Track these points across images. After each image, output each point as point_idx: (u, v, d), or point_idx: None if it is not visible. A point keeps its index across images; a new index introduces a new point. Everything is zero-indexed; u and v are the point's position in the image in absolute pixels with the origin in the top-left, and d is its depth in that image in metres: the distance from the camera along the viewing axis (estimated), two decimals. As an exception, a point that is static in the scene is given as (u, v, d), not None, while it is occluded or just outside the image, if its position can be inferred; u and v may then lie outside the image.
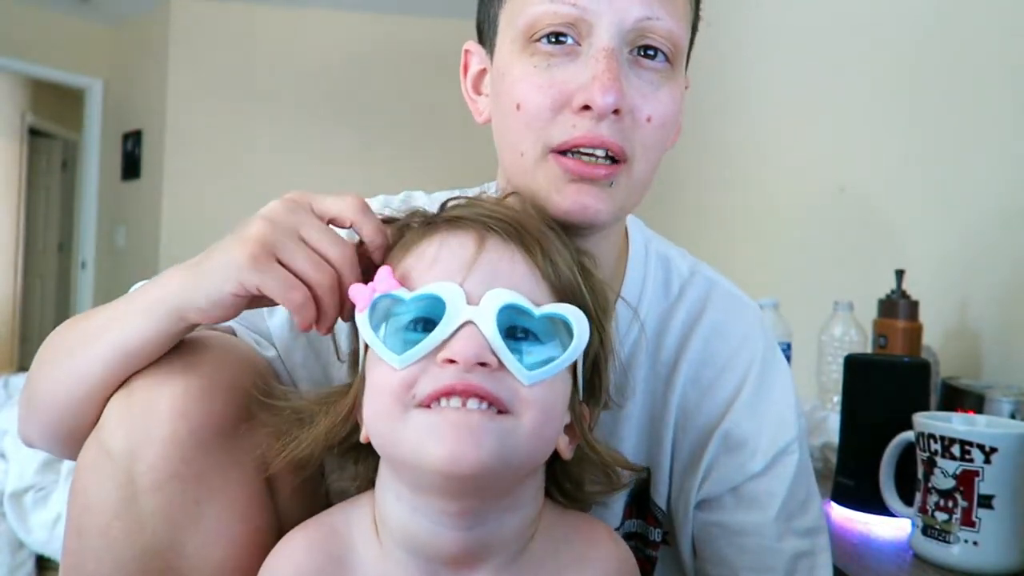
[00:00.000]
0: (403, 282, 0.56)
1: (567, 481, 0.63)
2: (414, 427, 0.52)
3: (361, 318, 0.55)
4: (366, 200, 0.70)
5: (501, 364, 0.52)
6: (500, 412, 0.52)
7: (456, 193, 0.70)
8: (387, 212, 0.65)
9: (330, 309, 0.59)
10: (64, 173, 6.71)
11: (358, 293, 0.56)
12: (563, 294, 0.57)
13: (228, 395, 0.63)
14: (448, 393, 0.51)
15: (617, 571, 0.62)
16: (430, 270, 0.55)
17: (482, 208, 0.59)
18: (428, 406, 0.51)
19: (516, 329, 0.53)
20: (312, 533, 0.60)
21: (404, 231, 0.62)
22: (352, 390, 0.59)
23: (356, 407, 0.59)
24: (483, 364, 0.51)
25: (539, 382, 0.53)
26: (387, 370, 0.53)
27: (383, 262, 0.60)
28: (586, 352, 0.58)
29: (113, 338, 0.61)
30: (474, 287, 0.53)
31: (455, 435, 0.50)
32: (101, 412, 0.62)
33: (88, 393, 0.62)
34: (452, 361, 0.51)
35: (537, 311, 0.54)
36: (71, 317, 0.70)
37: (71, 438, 0.64)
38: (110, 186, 5.04)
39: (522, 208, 0.63)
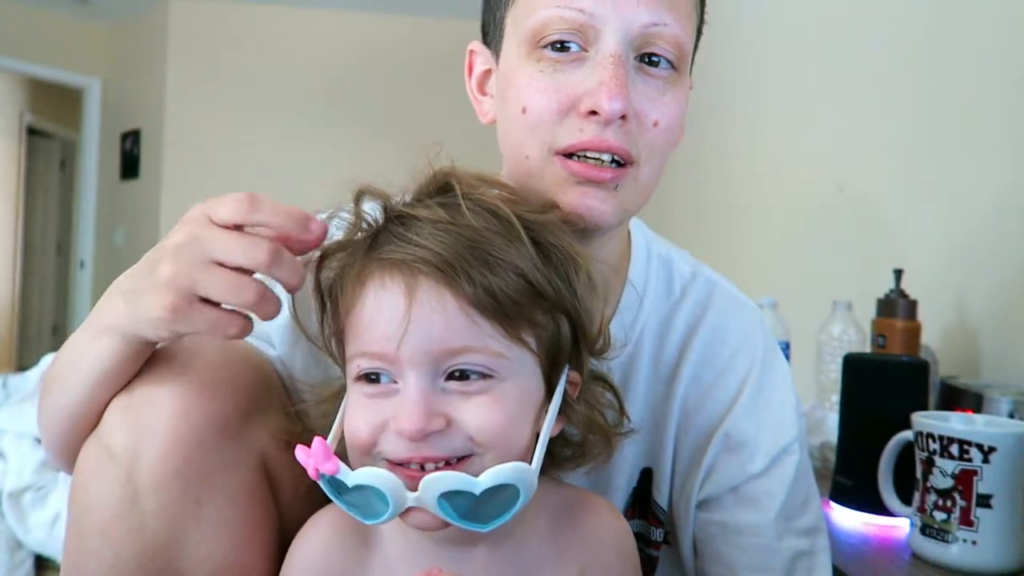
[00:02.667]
0: (349, 340, 0.57)
1: (566, 443, 0.64)
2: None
3: (321, 482, 0.56)
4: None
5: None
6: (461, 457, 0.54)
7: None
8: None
9: (272, 304, 0.57)
10: (63, 173, 6.70)
11: (304, 461, 0.55)
12: (506, 314, 0.54)
13: (229, 393, 0.63)
14: (407, 461, 0.55)
15: (616, 542, 0.63)
16: (367, 334, 0.55)
17: (412, 240, 0.55)
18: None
19: (461, 497, 0.53)
20: (338, 512, 0.60)
21: (348, 262, 0.59)
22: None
23: None
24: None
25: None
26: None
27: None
28: (558, 338, 0.58)
29: (87, 366, 0.61)
30: (409, 352, 0.53)
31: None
32: None
33: (85, 421, 0.63)
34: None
35: (478, 488, 0.52)
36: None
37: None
38: (109, 186, 5.04)
39: (456, 209, 0.57)
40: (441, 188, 0.59)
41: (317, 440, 0.54)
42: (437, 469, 0.53)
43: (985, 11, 1.51)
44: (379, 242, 0.57)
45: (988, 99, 1.48)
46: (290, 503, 0.68)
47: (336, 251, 0.60)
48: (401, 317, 0.53)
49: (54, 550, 2.06)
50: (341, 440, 0.60)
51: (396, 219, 0.58)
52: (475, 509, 0.53)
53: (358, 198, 0.61)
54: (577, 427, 0.62)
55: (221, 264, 0.55)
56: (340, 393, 0.62)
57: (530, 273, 0.55)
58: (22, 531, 2.07)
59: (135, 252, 0.76)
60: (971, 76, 1.53)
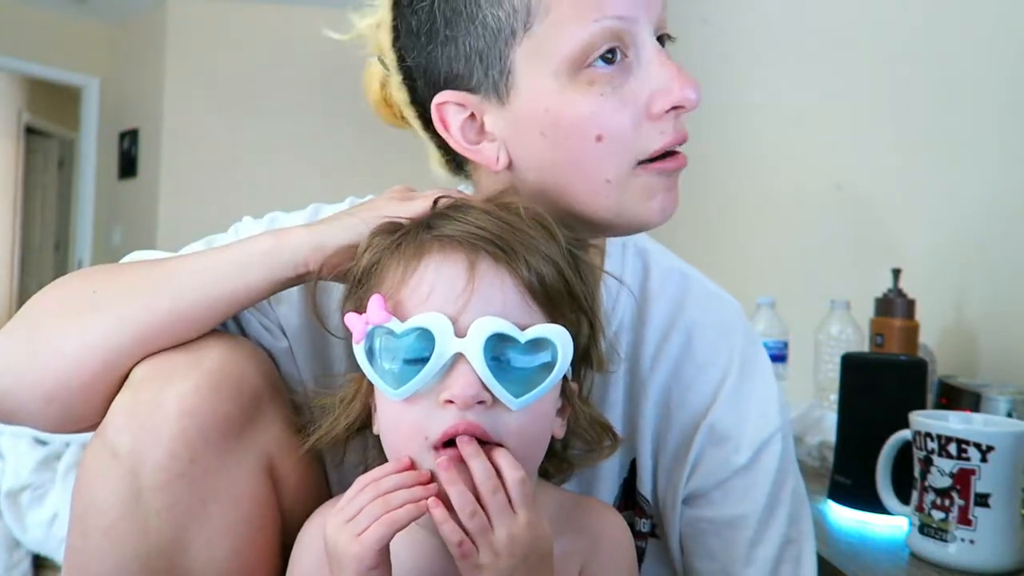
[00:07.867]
0: (396, 311, 0.57)
1: (552, 455, 0.65)
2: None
3: (358, 349, 0.58)
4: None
5: (493, 397, 0.55)
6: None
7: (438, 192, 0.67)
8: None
9: None
10: (61, 172, 6.69)
11: (352, 323, 0.58)
12: (550, 301, 0.59)
13: (235, 393, 0.63)
14: (453, 435, 0.55)
15: (614, 541, 0.65)
16: (425, 303, 0.57)
17: (471, 222, 0.59)
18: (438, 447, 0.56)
19: (505, 347, 0.56)
20: None
21: (399, 242, 0.61)
22: (361, 392, 0.62)
23: (366, 405, 0.62)
24: (480, 401, 0.55)
25: (527, 406, 0.56)
26: (393, 406, 0.57)
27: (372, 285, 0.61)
28: (579, 338, 0.61)
29: (212, 281, 0.63)
30: (466, 318, 0.56)
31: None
32: (129, 370, 0.62)
33: (153, 338, 0.63)
34: (451, 401, 0.55)
35: (523, 336, 0.56)
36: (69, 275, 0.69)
37: (81, 394, 0.63)
38: (107, 185, 5.03)
39: (507, 208, 0.61)
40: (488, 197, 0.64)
41: (374, 297, 0.57)
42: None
43: (979, 10, 1.51)
44: (436, 223, 0.60)
45: (986, 98, 1.48)
46: (293, 505, 0.68)
47: (383, 232, 0.62)
48: (462, 290, 0.56)
49: (52, 549, 2.06)
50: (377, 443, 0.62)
51: (452, 207, 0.61)
52: (514, 372, 0.55)
53: None
54: (581, 423, 0.64)
55: None
56: (355, 389, 0.63)
57: (567, 271, 0.60)
58: (20, 530, 2.07)
59: (132, 251, 0.76)
60: (969, 75, 1.53)
